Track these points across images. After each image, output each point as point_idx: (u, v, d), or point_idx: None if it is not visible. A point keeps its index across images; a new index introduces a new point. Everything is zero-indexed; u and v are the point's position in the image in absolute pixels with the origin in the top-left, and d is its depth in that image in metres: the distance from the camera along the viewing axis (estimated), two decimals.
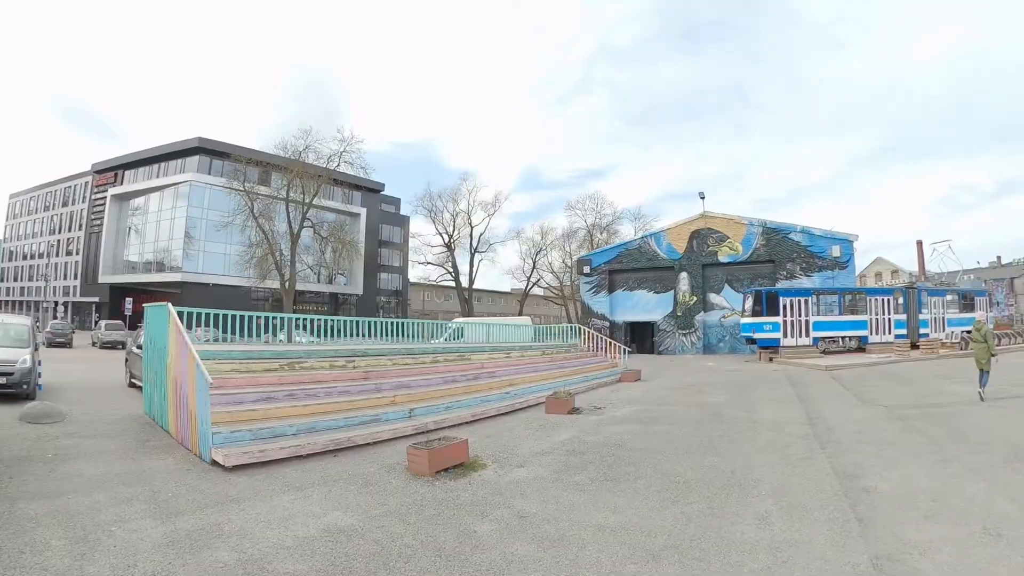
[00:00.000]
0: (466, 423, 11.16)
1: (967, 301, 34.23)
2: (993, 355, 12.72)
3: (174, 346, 9.16)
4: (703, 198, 38.75)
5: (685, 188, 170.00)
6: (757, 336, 28.39)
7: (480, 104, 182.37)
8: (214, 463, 7.41)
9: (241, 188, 44.45)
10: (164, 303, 9.82)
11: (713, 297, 37.57)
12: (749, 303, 28.94)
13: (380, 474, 7.33)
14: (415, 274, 78.00)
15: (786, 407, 12.96)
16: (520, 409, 13.34)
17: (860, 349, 29.28)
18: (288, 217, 45.96)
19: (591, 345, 24.49)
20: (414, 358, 14.96)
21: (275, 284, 45.84)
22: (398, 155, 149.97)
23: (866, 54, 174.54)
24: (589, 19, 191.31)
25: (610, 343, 25.02)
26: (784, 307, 28.17)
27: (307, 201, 45.93)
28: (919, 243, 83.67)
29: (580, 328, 25.34)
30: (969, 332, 33.03)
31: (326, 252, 55.62)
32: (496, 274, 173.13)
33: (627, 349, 25.09)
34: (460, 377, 14.72)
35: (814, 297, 28.88)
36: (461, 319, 35.10)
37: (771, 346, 28.34)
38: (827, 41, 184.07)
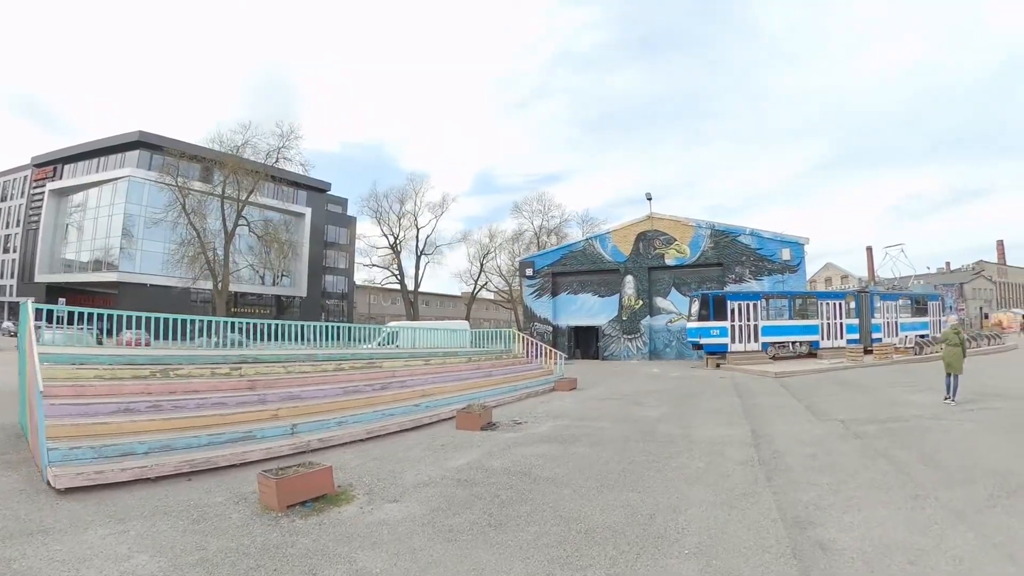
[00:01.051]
0: (359, 441, 9.98)
1: (920, 306, 33.83)
2: (964, 358, 12.51)
3: (27, 348, 8.50)
4: (650, 199, 37.60)
5: (640, 194, 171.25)
6: (704, 341, 27.13)
7: (436, 107, 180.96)
8: (49, 484, 6.64)
9: (173, 183, 42.41)
10: (26, 300, 9.30)
11: (659, 301, 36.32)
12: (696, 307, 27.69)
13: (224, 506, 6.22)
14: (361, 276, 76.08)
15: (729, 422, 11.38)
16: (429, 424, 12.00)
17: (811, 354, 28.38)
18: (223, 215, 44.00)
19: (526, 351, 22.82)
20: (314, 365, 13.36)
21: (209, 285, 43.80)
22: (350, 156, 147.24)
23: (820, 67, 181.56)
24: (549, 24, 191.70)
25: (547, 349, 23.34)
26: (732, 311, 26.99)
27: (242, 198, 43.96)
28: (869, 249, 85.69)
29: (514, 333, 23.61)
30: (923, 336, 33.61)
31: (271, 253, 53.31)
32: (444, 277, 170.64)
33: (563, 355, 23.48)
34: (365, 387, 13.22)
35: (763, 301, 27.81)
36: (395, 323, 33.18)
37: (718, 352, 27.12)
38: (782, 53, 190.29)
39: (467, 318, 68.27)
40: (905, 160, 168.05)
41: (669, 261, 35.93)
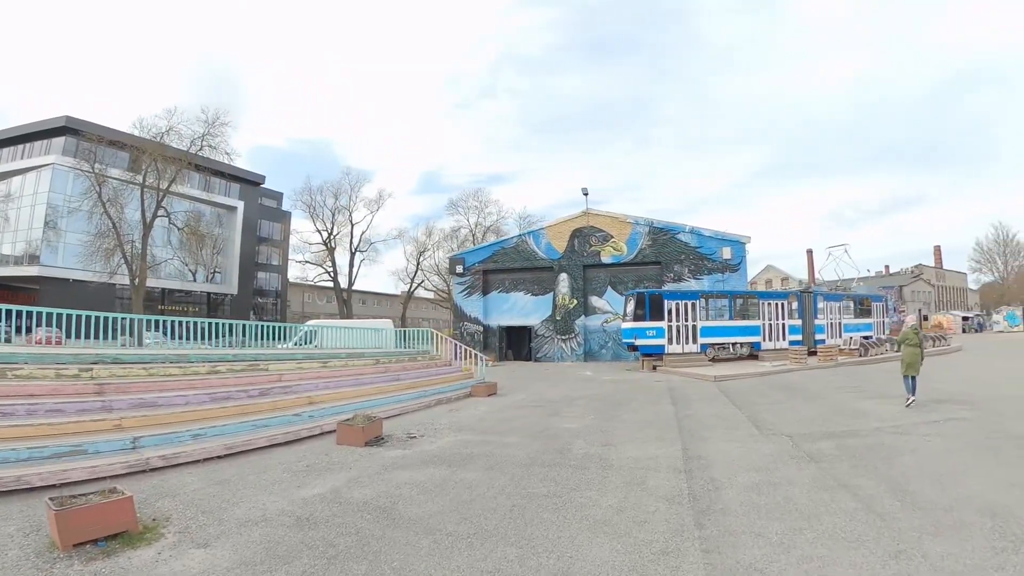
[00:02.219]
0: (214, 459, 8.55)
1: (864, 307, 33.34)
2: (921, 360, 12.28)
3: None
4: (586, 195, 36.03)
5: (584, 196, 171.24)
6: (639, 343, 25.68)
7: (383, 104, 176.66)
8: None
9: (90, 170, 39.35)
10: None
11: (595, 300, 34.85)
12: (631, 306, 26.22)
13: (12, 538, 5.14)
14: (294, 273, 72.81)
15: (659, 438, 9.63)
16: (309, 437, 10.45)
17: (752, 356, 27.40)
18: (142, 205, 41.04)
19: (445, 352, 20.85)
20: (183, 367, 11.46)
21: (125, 279, 40.90)
22: (297, 152, 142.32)
23: (766, 77, 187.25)
24: (499, 25, 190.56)
25: (466, 350, 21.39)
26: (669, 311, 25.65)
27: (162, 187, 41.11)
28: (809, 252, 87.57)
29: (431, 332, 21.60)
30: (867, 338, 33.02)
31: (200, 247, 49.94)
32: (382, 276, 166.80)
33: (485, 357, 21.56)
34: (239, 393, 11.46)
35: (702, 300, 26.58)
36: (315, 321, 30.82)
37: (655, 353, 25.75)
38: (729, 62, 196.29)
39: (403, 317, 66.78)
40: (845, 168, 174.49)
41: (605, 259, 34.54)
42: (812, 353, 26.58)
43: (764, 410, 12.43)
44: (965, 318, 67.65)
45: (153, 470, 7.75)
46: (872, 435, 9.07)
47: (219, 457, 8.70)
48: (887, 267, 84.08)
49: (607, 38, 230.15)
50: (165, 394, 10.22)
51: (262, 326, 17.46)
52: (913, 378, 12.01)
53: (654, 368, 25.31)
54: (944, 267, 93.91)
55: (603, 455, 8.39)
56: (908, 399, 11.86)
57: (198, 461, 8.38)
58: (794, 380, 19.01)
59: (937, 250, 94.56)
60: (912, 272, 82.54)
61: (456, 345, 21.38)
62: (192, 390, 10.75)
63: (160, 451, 8.25)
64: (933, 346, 32.61)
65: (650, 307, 25.51)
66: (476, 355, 20.98)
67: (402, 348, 20.78)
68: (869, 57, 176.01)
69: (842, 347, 27.50)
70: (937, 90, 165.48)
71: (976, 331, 63.30)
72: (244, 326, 16.92)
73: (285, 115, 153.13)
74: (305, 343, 19.85)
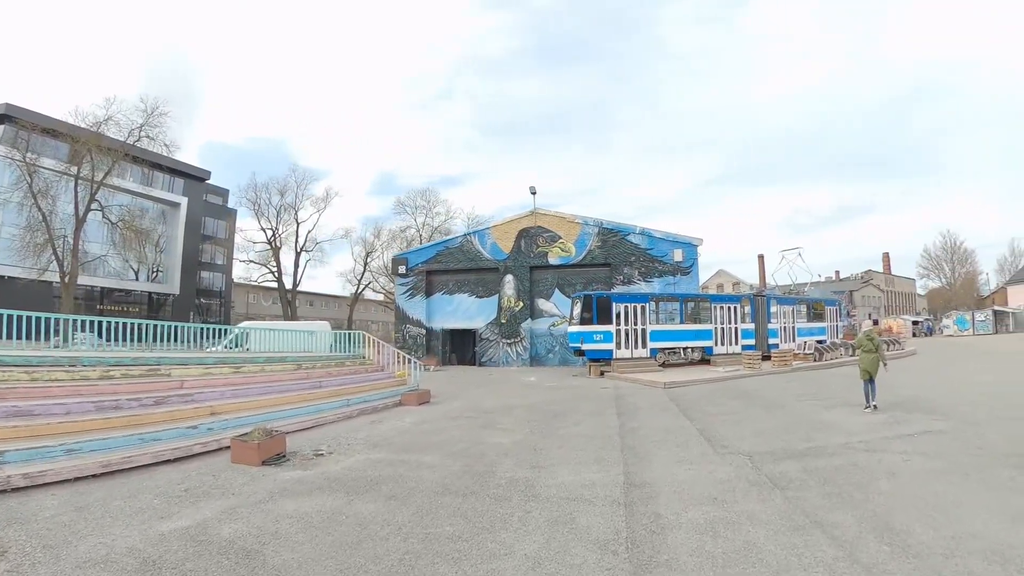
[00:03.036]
0: (87, 477, 7.44)
1: (817, 311, 33.00)
2: (884, 364, 12.31)
3: None
4: (534, 193, 34.79)
5: (540, 201, 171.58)
6: (586, 347, 24.57)
7: (340, 103, 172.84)
8: None
9: (21, 159, 36.89)
10: None
11: (542, 303, 33.67)
12: (577, 309, 25.10)
13: None
14: (238, 273, 69.66)
15: (598, 458, 8.37)
16: (204, 453, 9.20)
17: (704, 361, 26.59)
18: (76, 198, 38.60)
19: (378, 356, 19.36)
20: (70, 372, 10.31)
21: (57, 276, 38.32)
22: (253, 151, 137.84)
23: (723, 85, 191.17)
24: (461, 27, 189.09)
25: (398, 354, 19.93)
26: (618, 314, 24.61)
27: (97, 179, 38.54)
28: (760, 257, 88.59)
29: (363, 335, 20.05)
30: (821, 342, 32.34)
31: (144, 245, 47.39)
32: (329, 277, 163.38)
33: (419, 362, 20.14)
34: (130, 401, 10.11)
35: (652, 303, 25.64)
36: (247, 323, 28.86)
37: (602, 358, 24.69)
38: (688, 70, 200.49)
39: (350, 320, 64.58)
40: (799, 176, 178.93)
41: (553, 260, 33.40)
42: (766, 358, 26.00)
43: (718, 422, 11.36)
44: (915, 322, 68.95)
45: (14, 490, 6.82)
46: (841, 453, 8.00)
47: (93, 476, 7.60)
48: (837, 272, 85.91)
49: (568, 44, 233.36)
50: (45, 402, 9.00)
51: (189, 327, 15.76)
52: (871, 383, 12.07)
53: (602, 374, 24.27)
54: (893, 273, 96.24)
55: (531, 480, 7.10)
56: (867, 405, 11.89)
57: (67, 480, 7.35)
58: (749, 387, 18.16)
59: (886, 256, 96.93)
60: (862, 277, 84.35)
61: (385, 348, 19.85)
62: (77, 397, 9.52)
63: (25, 468, 7.23)
64: (889, 350, 32.59)
65: (597, 310, 24.45)
66: (408, 360, 19.54)
67: (337, 352, 19.31)
68: (825, 70, 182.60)
69: (797, 351, 26.98)
70: (889, 104, 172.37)
71: (926, 335, 64.49)
72: (165, 327, 15.06)
73: (245, 113, 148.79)
74: (236, 346, 18.34)
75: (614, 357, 24.40)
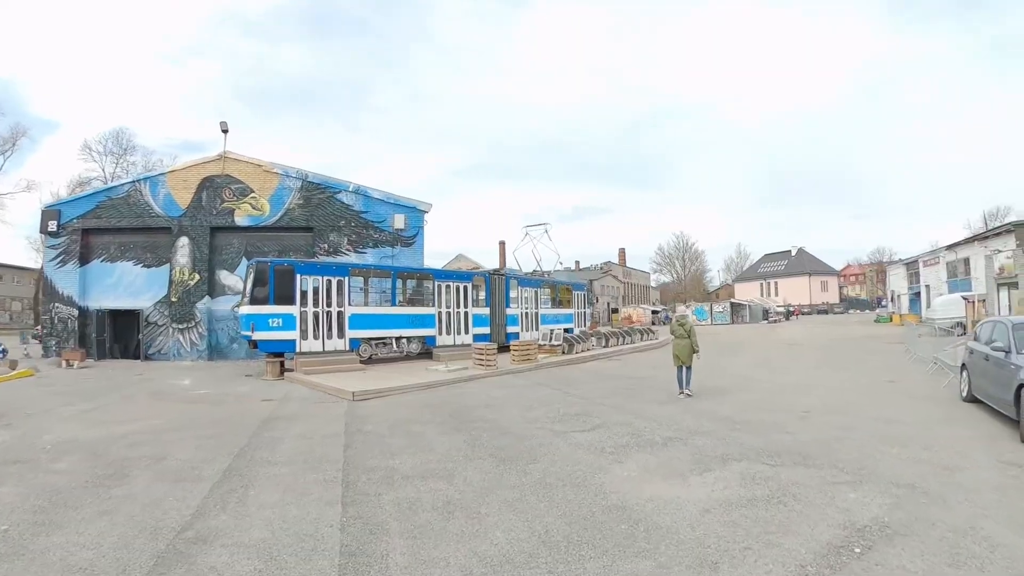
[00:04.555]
0: None
1: (565, 296, 29.54)
2: (696, 351, 12.37)
3: None
4: (226, 132, 26.74)
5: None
6: (259, 336, 17.89)
7: (83, 48, 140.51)
8: None
9: None
10: None
11: (224, 276, 25.86)
12: (249, 283, 18.35)
13: None
14: None
15: None
16: None
17: (425, 353, 21.45)
18: None
19: None
20: None
21: None
22: None
23: (484, 83, 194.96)
24: None
25: None
26: (304, 292, 18.32)
27: None
28: (502, 243, 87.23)
29: None
30: (568, 331, 27.24)
31: None
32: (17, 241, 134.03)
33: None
34: None
35: (354, 278, 19.71)
36: None
37: (282, 351, 18.28)
38: (455, 64, 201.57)
39: (36, 297, 52.30)
40: (545, 176, 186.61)
41: (241, 220, 25.78)
42: (504, 349, 21.58)
43: (407, 501, 5.76)
44: (655, 312, 72.87)
45: None
46: None
47: None
48: (578, 263, 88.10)
49: (334, 15, 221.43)
50: None
51: None
52: (686, 369, 12.41)
53: (281, 374, 17.88)
54: (629, 266, 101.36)
55: None
56: (680, 391, 12.37)
57: None
58: (478, 396, 13.09)
59: (622, 252, 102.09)
60: (602, 268, 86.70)
61: None
62: None
63: None
64: (641, 339, 30.40)
65: (275, 285, 17.89)
66: None
67: None
68: (579, 85, 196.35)
69: (542, 343, 22.94)
70: (633, 121, 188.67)
71: (665, 323, 67.71)
72: None
73: None
74: None
75: (298, 350, 18.10)
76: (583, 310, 32.90)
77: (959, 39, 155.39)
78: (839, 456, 7.10)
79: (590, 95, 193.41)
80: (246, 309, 18.18)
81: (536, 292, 27.72)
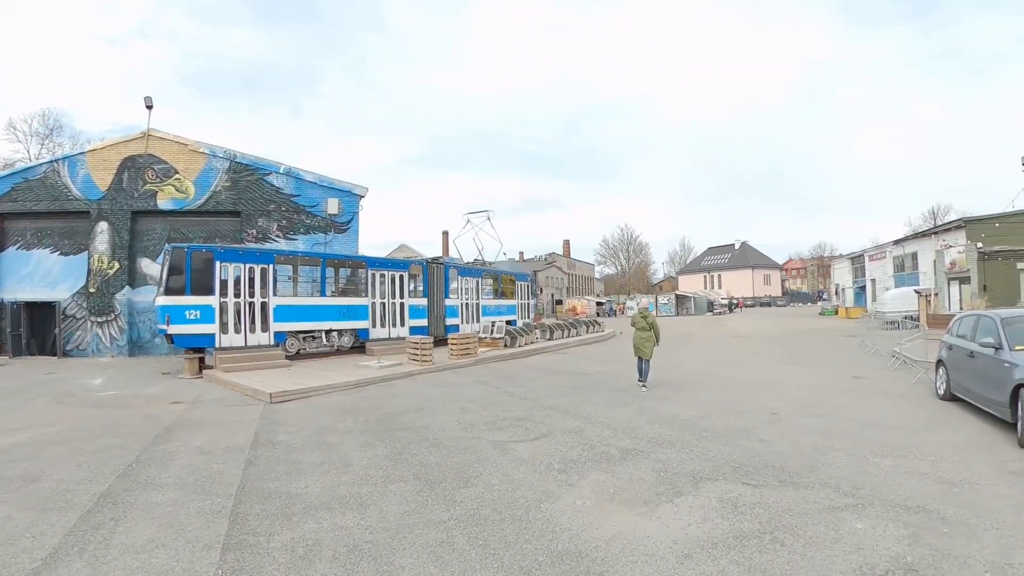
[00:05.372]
0: None
1: (507, 286, 28.91)
2: (656, 342, 12.75)
3: None
4: (150, 108, 25.18)
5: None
6: (175, 330, 16.72)
7: (19, 22, 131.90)
8: None
9: None
10: None
11: (146, 264, 24.32)
12: (166, 270, 17.16)
13: None
14: None
15: None
16: None
17: (359, 347, 20.59)
18: None
19: None
20: None
21: None
22: None
23: (434, 74, 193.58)
24: None
25: None
26: (224, 280, 17.21)
27: None
28: (445, 233, 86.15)
29: None
30: (511, 323, 26.49)
31: None
32: None
33: None
34: None
35: (279, 265, 18.63)
36: None
37: (199, 347, 17.20)
38: (405, 53, 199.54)
39: None
40: (493, 168, 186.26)
41: (164, 203, 24.27)
42: (441, 342, 20.91)
43: (299, 559, 4.56)
44: (599, 303, 72.91)
45: None
46: None
47: None
48: (522, 254, 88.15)
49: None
50: None
51: None
52: (646, 361, 12.69)
53: (200, 372, 16.82)
54: (573, 258, 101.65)
55: None
56: (639, 381, 12.79)
57: None
58: (409, 400, 12.14)
59: (566, 244, 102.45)
60: (546, 259, 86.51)
61: None
62: None
63: None
64: (588, 332, 29.99)
65: (192, 273, 16.76)
66: None
67: None
68: (525, 78, 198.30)
69: (483, 336, 22.28)
70: (578, 115, 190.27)
71: (609, 315, 67.84)
72: None
73: None
74: None
75: (218, 345, 17.04)
76: (527, 301, 32.36)
77: (908, 45, 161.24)
78: (828, 471, 6.37)
79: (534, 88, 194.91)
80: (161, 300, 16.93)
81: (477, 282, 27.04)
